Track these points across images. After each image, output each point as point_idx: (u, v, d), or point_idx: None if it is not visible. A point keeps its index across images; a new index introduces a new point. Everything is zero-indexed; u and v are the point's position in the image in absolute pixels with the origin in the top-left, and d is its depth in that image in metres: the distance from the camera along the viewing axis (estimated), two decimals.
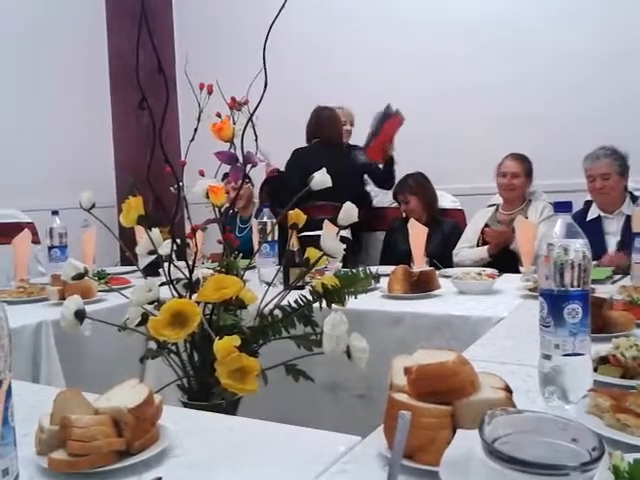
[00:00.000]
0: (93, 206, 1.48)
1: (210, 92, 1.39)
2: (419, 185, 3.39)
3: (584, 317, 0.97)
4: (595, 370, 1.11)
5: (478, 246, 3.16)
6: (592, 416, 0.91)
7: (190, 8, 5.25)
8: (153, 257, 1.38)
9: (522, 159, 3.17)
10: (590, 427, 0.62)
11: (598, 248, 2.63)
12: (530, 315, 1.60)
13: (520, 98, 4.01)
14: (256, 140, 1.41)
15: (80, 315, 1.28)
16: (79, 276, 1.38)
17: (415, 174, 3.44)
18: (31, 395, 1.23)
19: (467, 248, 3.18)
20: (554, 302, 0.97)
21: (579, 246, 0.96)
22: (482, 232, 3.18)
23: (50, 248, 2.70)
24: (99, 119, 5.02)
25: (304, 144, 4.63)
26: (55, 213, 2.74)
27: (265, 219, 2.51)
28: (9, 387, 0.72)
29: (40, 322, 1.98)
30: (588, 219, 2.81)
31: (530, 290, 2.05)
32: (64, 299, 1.41)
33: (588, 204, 2.92)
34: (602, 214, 2.80)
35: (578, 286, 0.96)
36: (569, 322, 0.96)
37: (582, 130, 3.68)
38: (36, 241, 3.33)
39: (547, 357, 0.99)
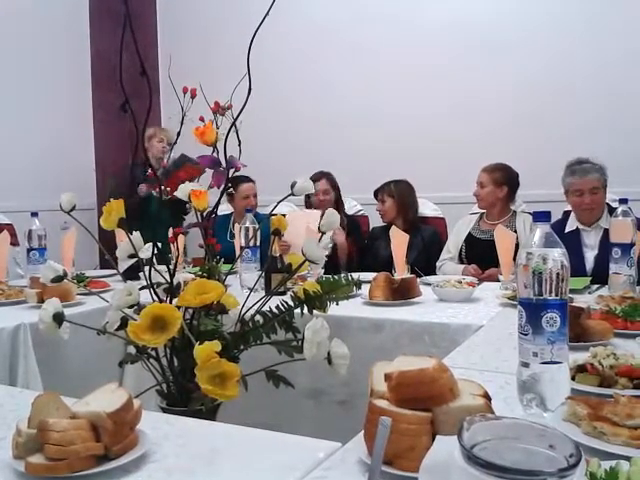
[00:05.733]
0: (73, 208, 1.46)
1: (193, 96, 1.39)
2: (399, 190, 3.43)
3: (562, 326, 0.98)
4: (573, 378, 1.12)
5: (460, 257, 3.18)
6: (569, 424, 0.92)
7: (174, 10, 5.24)
8: (133, 260, 1.37)
9: (492, 169, 3.17)
10: (567, 434, 0.63)
11: (576, 261, 2.65)
12: (509, 323, 1.62)
13: (501, 110, 4.06)
14: (239, 145, 1.41)
15: (59, 318, 1.27)
16: (58, 279, 1.37)
17: (400, 180, 3.48)
18: (8, 398, 1.22)
19: (449, 260, 3.20)
20: (532, 311, 0.98)
21: (557, 255, 0.97)
22: (466, 242, 3.19)
23: (29, 250, 2.67)
24: (80, 120, 4.98)
25: (287, 150, 4.66)
26: (34, 215, 2.71)
27: (247, 224, 2.51)
28: None
29: (18, 325, 1.96)
30: (566, 231, 2.82)
31: (509, 298, 2.07)
32: (43, 302, 1.40)
33: (567, 214, 2.94)
34: (580, 227, 2.81)
35: (556, 295, 0.97)
36: (547, 330, 0.97)
37: (561, 141, 3.73)
38: (15, 243, 3.29)
39: (525, 365, 1.00)
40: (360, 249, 3.53)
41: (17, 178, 4.41)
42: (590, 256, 2.74)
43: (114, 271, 1.91)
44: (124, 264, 1.41)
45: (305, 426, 1.84)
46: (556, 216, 2.90)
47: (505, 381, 1.18)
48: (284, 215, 1.55)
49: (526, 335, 0.99)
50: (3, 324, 1.95)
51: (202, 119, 1.40)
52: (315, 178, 3.56)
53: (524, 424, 0.64)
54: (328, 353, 1.21)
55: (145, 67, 1.37)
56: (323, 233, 1.40)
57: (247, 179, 3.68)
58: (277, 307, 1.35)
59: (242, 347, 1.32)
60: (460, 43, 4.17)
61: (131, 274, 1.48)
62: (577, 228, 2.81)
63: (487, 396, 0.87)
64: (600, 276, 2.43)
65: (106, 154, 4.97)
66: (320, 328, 1.19)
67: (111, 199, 1.33)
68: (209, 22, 5.03)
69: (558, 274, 0.97)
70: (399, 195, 3.42)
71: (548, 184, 3.19)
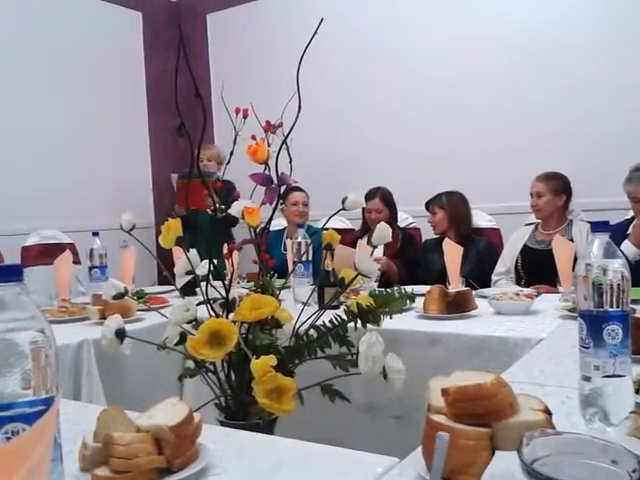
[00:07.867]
0: (133, 227, 1.51)
1: (245, 116, 1.42)
2: (450, 202, 3.39)
3: (624, 338, 0.95)
4: (637, 392, 1.08)
5: (516, 268, 3.12)
6: (634, 438, 0.89)
7: (224, 34, 5.37)
8: (190, 277, 1.41)
9: (548, 178, 3.12)
10: (631, 449, 0.61)
11: None
12: (570, 336, 1.58)
13: (555, 116, 3.98)
14: (290, 162, 1.43)
15: (120, 334, 1.30)
16: (119, 296, 1.41)
17: (453, 192, 3.44)
18: (73, 413, 1.26)
19: (505, 274, 3.14)
20: (593, 323, 0.96)
21: (617, 266, 0.95)
22: (521, 254, 3.13)
23: (90, 268, 2.76)
24: (138, 143, 5.16)
25: (338, 164, 4.69)
26: (95, 234, 2.80)
27: (300, 239, 2.53)
28: None
29: (81, 341, 2.02)
30: (629, 231, 2.76)
31: (569, 311, 2.02)
32: (104, 318, 1.45)
33: (629, 221, 2.87)
34: None
35: (617, 307, 0.95)
36: (609, 343, 0.95)
37: (621, 147, 3.63)
38: (77, 261, 3.41)
39: (587, 379, 0.97)
40: (414, 262, 3.51)
41: (78, 199, 4.59)
42: None
43: (172, 287, 1.96)
44: (181, 280, 1.44)
45: (361, 441, 1.83)
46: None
47: (567, 396, 1.15)
48: (336, 230, 1.56)
49: (587, 348, 0.97)
50: (67, 341, 2.01)
51: (254, 137, 1.43)
52: (369, 196, 3.57)
53: (585, 439, 0.63)
54: (383, 367, 1.20)
55: (199, 90, 1.41)
56: (375, 247, 1.40)
57: (297, 188, 3.75)
58: (331, 321, 1.35)
59: (297, 361, 1.33)
60: (510, 50, 4.13)
61: (188, 290, 1.51)
62: None
63: (548, 411, 0.86)
64: None
65: (163, 174, 5.12)
66: (375, 342, 1.19)
67: (168, 218, 1.37)
68: (258, 43, 5.13)
69: (619, 285, 0.94)
70: (450, 207, 3.38)
71: (603, 192, 3.11)
